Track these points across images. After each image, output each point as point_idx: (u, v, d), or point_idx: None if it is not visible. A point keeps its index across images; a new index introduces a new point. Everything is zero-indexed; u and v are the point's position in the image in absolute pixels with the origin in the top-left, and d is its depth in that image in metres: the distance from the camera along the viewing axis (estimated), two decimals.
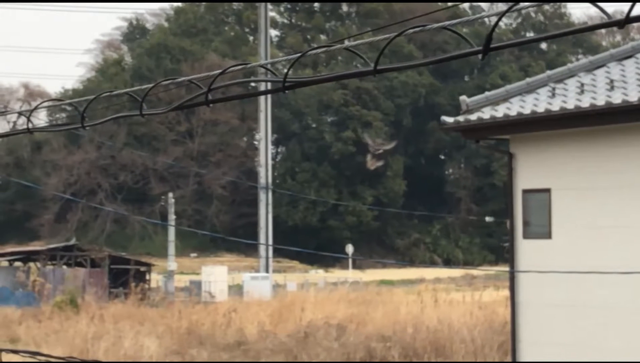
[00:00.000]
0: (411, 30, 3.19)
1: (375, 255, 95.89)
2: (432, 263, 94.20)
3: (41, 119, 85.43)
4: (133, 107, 4.11)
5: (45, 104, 4.54)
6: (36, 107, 4.37)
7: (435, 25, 3.19)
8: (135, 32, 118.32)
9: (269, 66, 3.67)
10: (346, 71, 3.61)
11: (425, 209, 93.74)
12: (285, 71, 3.49)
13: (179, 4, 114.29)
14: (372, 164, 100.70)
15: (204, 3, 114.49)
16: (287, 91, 3.38)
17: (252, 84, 67.02)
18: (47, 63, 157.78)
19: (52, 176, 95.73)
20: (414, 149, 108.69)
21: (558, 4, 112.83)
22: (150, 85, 3.76)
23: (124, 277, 58.14)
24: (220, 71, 3.51)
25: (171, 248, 66.61)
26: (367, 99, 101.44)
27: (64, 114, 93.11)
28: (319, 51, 3.48)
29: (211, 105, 3.65)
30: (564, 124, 18.66)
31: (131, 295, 49.32)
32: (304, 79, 3.49)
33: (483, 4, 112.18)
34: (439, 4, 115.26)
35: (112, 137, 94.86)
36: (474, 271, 70.86)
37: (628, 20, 2.77)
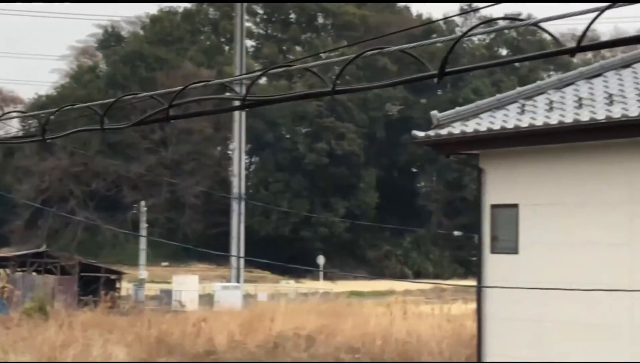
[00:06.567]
0: (369, 53, 3.28)
1: (347, 267, 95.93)
2: (403, 275, 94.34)
3: (13, 126, 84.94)
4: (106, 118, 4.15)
5: (8, 116, 4.61)
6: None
7: (393, 48, 3.27)
8: (110, 39, 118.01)
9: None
10: (307, 91, 3.69)
11: (397, 222, 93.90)
12: (255, 86, 3.56)
13: (155, 13, 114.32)
14: None
15: (180, 12, 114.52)
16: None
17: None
18: (21, 69, 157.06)
19: (23, 182, 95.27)
20: (387, 162, 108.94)
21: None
22: (112, 99, 3.82)
23: (94, 285, 57.86)
24: (180, 88, 3.58)
25: (142, 257, 66.43)
26: (341, 111, 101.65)
27: (34, 122, 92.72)
28: (278, 70, 3.56)
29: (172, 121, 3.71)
30: (533, 140, 18.84)
31: (101, 303, 49.08)
32: (263, 98, 3.56)
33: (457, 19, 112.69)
34: (414, 17, 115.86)
35: (85, 144, 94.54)
36: (444, 284, 70.98)
37: (580, 48, 2.86)
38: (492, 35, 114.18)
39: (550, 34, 2.89)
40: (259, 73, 3.43)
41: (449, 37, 3.29)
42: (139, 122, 3.92)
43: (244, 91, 3.64)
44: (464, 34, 3.06)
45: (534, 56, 3.11)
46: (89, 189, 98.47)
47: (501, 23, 3.84)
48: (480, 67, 3.19)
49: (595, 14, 2.65)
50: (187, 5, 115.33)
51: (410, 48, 3.32)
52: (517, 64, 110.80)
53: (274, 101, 3.52)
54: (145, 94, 3.92)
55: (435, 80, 3.19)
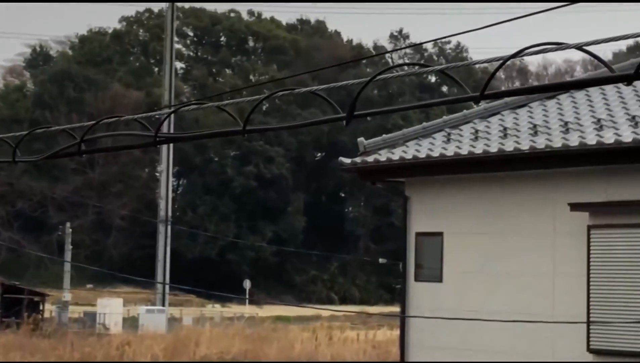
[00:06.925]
0: (280, 93, 3.29)
1: (274, 291, 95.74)
2: (329, 300, 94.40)
3: None
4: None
5: None
6: None
7: (303, 89, 3.29)
8: (38, 58, 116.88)
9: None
10: (218, 130, 3.70)
11: (325, 247, 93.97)
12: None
13: (84, 33, 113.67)
14: None
15: (109, 32, 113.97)
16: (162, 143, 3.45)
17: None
18: None
19: None
20: (316, 186, 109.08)
21: (458, 50, 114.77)
22: (24, 132, 3.78)
23: (17, 307, 57.10)
24: (92, 122, 3.56)
25: (66, 279, 65.67)
26: (270, 135, 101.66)
27: None
28: (189, 107, 3.55)
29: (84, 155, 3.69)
30: (458, 169, 18.99)
31: (24, 325, 48.48)
32: (174, 136, 3.56)
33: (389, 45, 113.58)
34: (345, 43, 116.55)
35: (10, 164, 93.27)
36: (370, 309, 71.22)
37: (482, 96, 2.90)
38: (421, 62, 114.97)
39: (455, 80, 2.93)
40: (170, 111, 3.44)
41: (358, 80, 3.33)
42: (51, 156, 3.89)
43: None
44: (370, 80, 3.10)
45: (439, 102, 3.16)
46: (13, 209, 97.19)
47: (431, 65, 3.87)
48: (386, 112, 3.24)
49: (500, 62, 2.70)
50: (117, 26, 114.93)
51: (321, 90, 3.34)
52: (445, 90, 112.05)
53: (186, 139, 3.52)
54: (57, 128, 3.90)
55: (344, 122, 3.21)
